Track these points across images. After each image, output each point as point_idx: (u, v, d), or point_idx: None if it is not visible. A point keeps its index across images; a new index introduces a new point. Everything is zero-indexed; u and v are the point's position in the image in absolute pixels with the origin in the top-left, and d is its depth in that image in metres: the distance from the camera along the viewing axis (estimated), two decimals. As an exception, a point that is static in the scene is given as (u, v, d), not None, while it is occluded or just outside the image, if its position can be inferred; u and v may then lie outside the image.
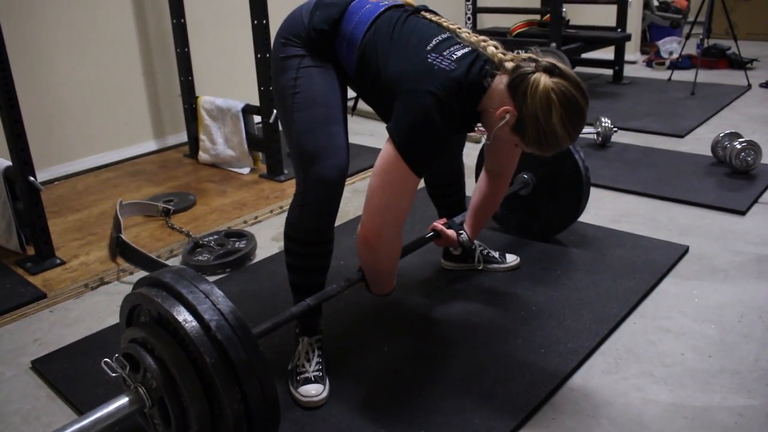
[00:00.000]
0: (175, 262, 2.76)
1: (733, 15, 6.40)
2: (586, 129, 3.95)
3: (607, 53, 5.66)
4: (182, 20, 3.78)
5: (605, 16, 5.63)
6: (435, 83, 1.62)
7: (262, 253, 2.79)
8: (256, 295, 2.44)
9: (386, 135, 1.68)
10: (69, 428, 1.41)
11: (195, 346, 1.35)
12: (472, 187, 2.28)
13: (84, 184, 3.68)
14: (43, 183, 3.06)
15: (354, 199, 3.27)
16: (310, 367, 1.92)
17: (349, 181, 3.45)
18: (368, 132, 4.34)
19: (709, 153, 3.64)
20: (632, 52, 6.42)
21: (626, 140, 4.07)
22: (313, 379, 1.89)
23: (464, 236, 2.22)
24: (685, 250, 2.64)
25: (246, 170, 3.74)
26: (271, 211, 3.21)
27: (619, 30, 5.42)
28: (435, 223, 2.23)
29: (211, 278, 2.57)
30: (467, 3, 5.61)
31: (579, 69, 5.88)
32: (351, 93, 1.93)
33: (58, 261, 2.72)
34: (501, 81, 1.65)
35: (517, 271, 2.53)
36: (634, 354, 2.04)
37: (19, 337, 2.27)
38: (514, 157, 2.10)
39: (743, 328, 2.15)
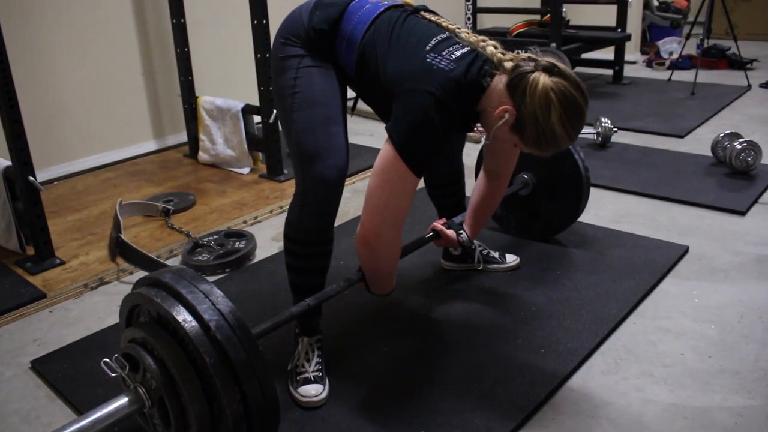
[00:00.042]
0: (174, 262, 2.76)
1: (733, 15, 6.41)
2: (586, 129, 3.95)
3: (607, 53, 5.66)
4: (182, 20, 3.78)
5: (605, 16, 5.63)
6: (434, 83, 1.62)
7: (261, 253, 2.79)
8: (256, 295, 2.44)
9: (386, 135, 1.68)
10: (68, 428, 1.40)
11: (194, 346, 1.35)
12: (472, 187, 2.27)
13: (84, 184, 3.68)
14: (43, 183, 3.06)
15: (354, 199, 3.27)
16: (309, 367, 1.91)
17: (348, 181, 3.45)
18: (368, 132, 4.34)
19: (709, 153, 3.64)
20: (632, 52, 6.42)
21: (626, 140, 4.07)
22: (312, 379, 1.89)
23: (464, 236, 2.22)
24: (685, 251, 2.64)
25: (246, 170, 3.74)
26: (271, 211, 3.21)
27: (619, 30, 5.42)
28: (435, 223, 2.23)
29: (211, 278, 2.57)
30: (467, 3, 5.61)
31: (579, 69, 5.88)
32: (351, 93, 1.93)
33: (58, 261, 2.72)
34: (500, 80, 1.65)
35: (517, 271, 2.53)
36: (634, 354, 2.04)
37: (18, 337, 2.27)
38: (513, 156, 2.10)
39: (743, 329, 2.15)
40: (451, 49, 1.68)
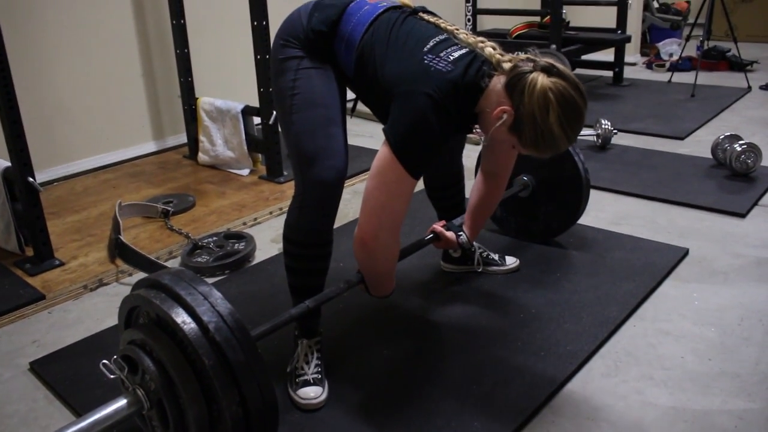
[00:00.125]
0: (174, 263, 2.76)
1: (733, 17, 6.41)
2: (586, 131, 3.95)
3: (607, 55, 5.65)
4: (182, 21, 3.78)
5: (605, 17, 5.63)
6: (431, 85, 1.62)
7: (261, 255, 2.79)
8: (255, 297, 2.44)
9: (384, 137, 1.67)
10: (67, 430, 1.40)
11: (193, 348, 1.35)
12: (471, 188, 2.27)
13: (83, 185, 3.68)
14: (42, 184, 3.06)
15: (354, 201, 3.26)
16: (309, 369, 1.91)
17: (348, 182, 3.44)
18: (368, 133, 4.34)
19: (709, 155, 3.64)
20: (632, 53, 6.42)
21: (626, 142, 4.07)
22: (312, 381, 1.88)
23: (463, 238, 2.22)
24: (685, 253, 2.64)
25: (245, 172, 3.74)
26: (271, 213, 3.21)
27: (619, 32, 5.42)
28: (434, 225, 2.22)
29: (210, 280, 2.56)
30: (467, 4, 5.61)
31: (579, 70, 5.88)
32: (351, 94, 1.93)
33: (57, 262, 2.71)
34: (498, 81, 1.65)
35: (517, 273, 2.52)
36: (634, 357, 2.04)
37: (17, 339, 2.27)
38: (511, 157, 2.10)
39: (743, 331, 2.14)
40: (449, 50, 1.68)
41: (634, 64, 6.42)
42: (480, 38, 1.72)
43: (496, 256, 2.54)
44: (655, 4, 6.85)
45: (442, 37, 1.73)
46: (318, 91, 1.80)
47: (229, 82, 4.43)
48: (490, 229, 2.87)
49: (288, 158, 1.93)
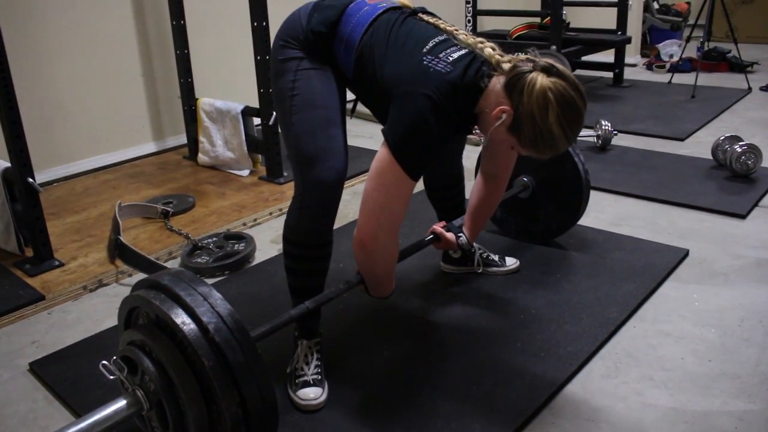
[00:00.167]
0: (173, 264, 2.76)
1: (734, 18, 6.41)
2: (586, 132, 3.95)
3: (608, 56, 5.65)
4: (182, 22, 3.78)
5: (605, 18, 5.63)
6: (430, 86, 1.61)
7: (261, 256, 2.79)
8: (255, 298, 2.44)
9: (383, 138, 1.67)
10: (67, 431, 1.40)
11: (193, 349, 1.35)
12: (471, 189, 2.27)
13: (83, 186, 3.67)
14: (42, 184, 3.06)
15: (353, 202, 3.26)
16: (308, 370, 1.91)
17: (348, 183, 3.45)
18: (368, 134, 4.34)
19: (709, 156, 3.64)
20: (632, 55, 6.42)
21: (626, 143, 4.07)
22: (312, 382, 1.88)
23: (463, 239, 2.22)
24: (685, 254, 2.64)
25: (245, 172, 3.74)
26: (271, 214, 3.21)
27: (620, 33, 5.42)
28: (434, 226, 2.22)
29: (210, 280, 2.56)
30: (467, 5, 5.61)
31: (579, 72, 5.88)
32: (350, 95, 1.93)
33: (57, 263, 2.71)
34: (498, 81, 1.64)
35: (517, 274, 2.52)
36: (634, 358, 2.03)
37: (17, 339, 2.27)
38: (511, 159, 2.09)
39: (743, 332, 2.14)
40: (448, 51, 1.68)
41: (634, 65, 6.42)
42: (479, 39, 1.72)
43: (496, 257, 2.54)
44: (656, 5, 6.85)
45: (441, 38, 1.72)
46: (317, 92, 1.80)
47: (229, 82, 4.43)
48: (490, 230, 2.86)
49: (288, 159, 1.93)
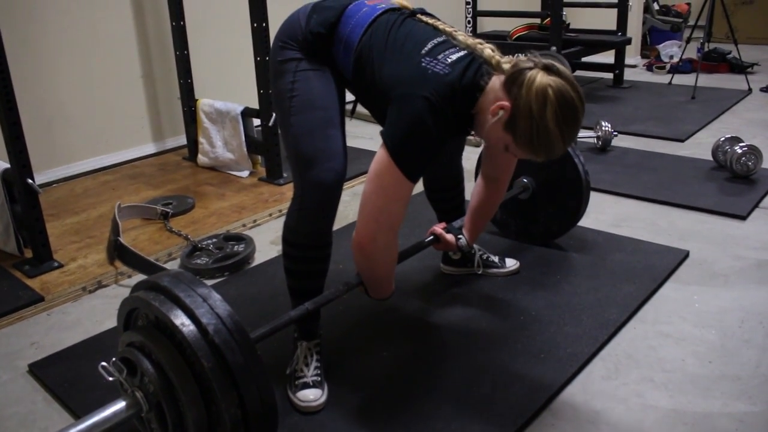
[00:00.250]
0: (173, 265, 2.75)
1: (734, 19, 6.41)
2: (586, 133, 3.95)
3: (608, 57, 5.65)
4: (182, 23, 3.78)
5: (605, 19, 5.63)
6: (428, 88, 1.61)
7: (260, 257, 2.78)
8: (255, 299, 2.43)
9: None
10: (65, 433, 1.40)
11: (192, 350, 1.34)
12: (472, 190, 2.27)
13: (82, 187, 3.67)
14: (42, 185, 3.05)
15: (353, 203, 3.26)
16: (308, 371, 1.91)
17: (348, 184, 3.44)
18: (368, 135, 4.34)
19: (709, 157, 3.64)
20: (632, 55, 6.42)
21: (626, 144, 4.07)
22: (311, 384, 1.88)
23: (463, 241, 2.21)
24: (686, 255, 2.63)
25: (245, 173, 3.73)
26: (270, 215, 3.20)
27: (620, 34, 5.42)
28: (434, 227, 2.22)
29: (210, 282, 2.56)
30: (467, 6, 5.62)
31: (579, 72, 5.88)
32: (350, 96, 1.92)
33: (56, 264, 2.71)
34: (497, 81, 1.63)
35: (517, 275, 2.52)
36: (634, 359, 2.03)
37: (16, 341, 2.26)
38: (511, 162, 2.09)
39: (744, 334, 2.14)
40: (447, 52, 1.67)
41: (634, 66, 6.42)
42: (478, 40, 1.72)
43: (496, 259, 2.54)
44: (656, 6, 6.85)
45: (440, 39, 1.72)
46: (316, 93, 1.80)
47: (229, 83, 4.43)
48: (490, 231, 2.86)
49: (287, 160, 1.93)
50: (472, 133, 1.80)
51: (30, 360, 2.13)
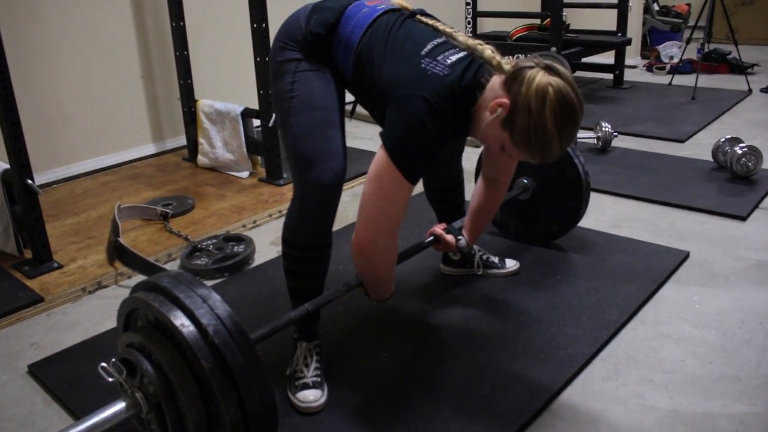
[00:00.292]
0: (173, 266, 2.75)
1: (734, 19, 6.41)
2: (587, 133, 3.95)
3: (608, 58, 5.66)
4: (181, 23, 3.78)
5: (605, 20, 5.63)
6: (428, 89, 1.60)
7: (260, 258, 2.78)
8: (255, 300, 2.43)
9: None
10: (65, 433, 1.40)
11: (192, 351, 1.34)
12: (472, 191, 2.26)
13: (82, 188, 3.67)
14: (41, 186, 3.05)
15: (353, 204, 3.26)
16: (308, 372, 1.90)
17: (348, 185, 3.44)
18: (367, 136, 4.34)
19: (709, 158, 3.64)
20: (633, 56, 6.42)
21: (626, 145, 4.07)
22: (311, 384, 1.88)
23: (462, 242, 2.21)
24: (686, 256, 2.63)
25: (245, 174, 3.73)
26: (270, 215, 3.20)
27: (620, 34, 5.43)
28: (434, 228, 2.21)
29: (210, 282, 2.56)
30: (467, 7, 5.62)
31: (579, 73, 5.89)
32: (350, 96, 1.92)
33: (56, 264, 2.71)
34: (497, 80, 1.63)
35: (517, 276, 2.52)
36: (635, 360, 2.03)
37: (15, 341, 2.26)
38: (512, 164, 2.09)
39: (744, 335, 2.14)
40: (446, 54, 1.67)
41: (634, 67, 6.42)
42: (478, 41, 1.71)
43: (496, 259, 2.54)
44: (656, 7, 6.85)
45: (440, 40, 1.72)
46: (316, 93, 1.80)
47: (229, 84, 4.43)
48: (490, 232, 2.86)
49: (287, 161, 1.93)
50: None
51: (30, 361, 2.13)
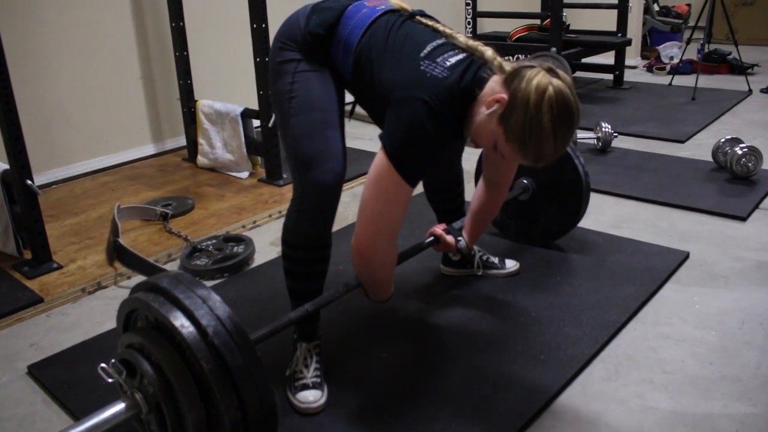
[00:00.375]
0: (173, 266, 2.75)
1: (734, 20, 6.40)
2: (587, 134, 3.95)
3: (608, 58, 5.66)
4: (181, 23, 3.78)
5: (605, 20, 5.63)
6: (427, 91, 1.60)
7: (260, 258, 2.78)
8: (254, 300, 2.43)
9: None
10: (64, 434, 1.39)
11: (192, 352, 1.34)
12: (472, 191, 2.26)
13: (82, 188, 3.67)
14: (41, 186, 3.05)
15: (353, 204, 3.25)
16: (308, 373, 1.90)
17: (348, 185, 3.44)
18: (367, 136, 4.34)
19: (709, 158, 3.64)
20: (633, 56, 6.42)
21: (626, 145, 4.07)
22: (311, 385, 1.88)
23: (462, 242, 2.21)
24: (686, 256, 2.63)
25: (245, 174, 3.73)
26: (270, 216, 3.20)
27: (620, 35, 5.43)
28: (434, 228, 2.21)
29: (209, 283, 2.56)
30: (467, 7, 5.62)
31: (579, 74, 5.89)
32: (349, 97, 1.92)
33: (56, 265, 2.70)
34: (498, 78, 1.62)
35: (517, 276, 2.52)
36: (635, 361, 2.03)
37: (15, 342, 2.26)
38: (512, 166, 2.08)
39: (744, 335, 2.14)
40: (445, 55, 1.66)
41: (634, 67, 6.42)
42: (478, 42, 1.71)
43: (495, 260, 2.53)
44: (656, 7, 6.85)
45: (439, 41, 1.71)
46: (315, 94, 1.79)
47: (229, 84, 4.43)
48: (490, 233, 2.86)
49: (287, 161, 1.93)
50: None
51: (29, 361, 2.13)
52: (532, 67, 1.55)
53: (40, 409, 1.93)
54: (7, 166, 2.62)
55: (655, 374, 1.96)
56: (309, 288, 1.92)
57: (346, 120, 1.91)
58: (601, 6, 5.67)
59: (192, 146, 3.98)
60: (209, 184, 3.66)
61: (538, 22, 5.42)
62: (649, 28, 6.88)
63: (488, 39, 5.12)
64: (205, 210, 3.28)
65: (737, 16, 7.20)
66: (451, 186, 2.39)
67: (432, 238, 2.19)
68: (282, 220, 1.92)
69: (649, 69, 6.32)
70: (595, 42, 5.33)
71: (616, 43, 5.36)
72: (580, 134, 3.99)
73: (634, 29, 6.20)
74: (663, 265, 2.55)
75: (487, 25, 6.34)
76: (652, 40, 6.96)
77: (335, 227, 1.92)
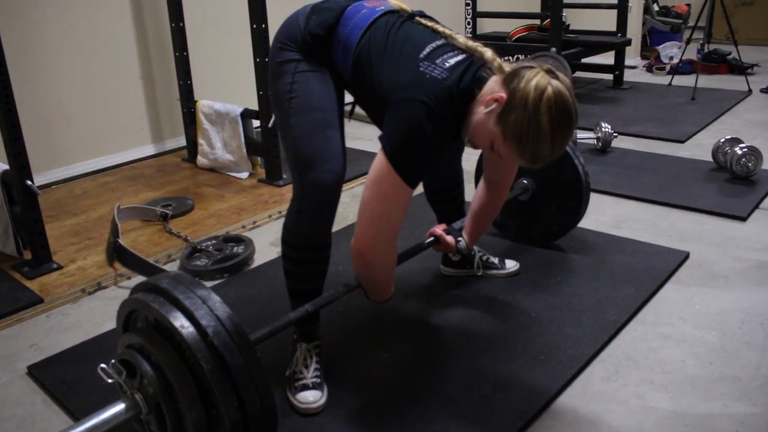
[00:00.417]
0: (173, 267, 2.75)
1: (734, 20, 6.41)
2: (587, 134, 3.95)
3: (608, 58, 5.66)
4: (181, 24, 3.78)
5: (605, 20, 5.63)
6: (426, 92, 1.59)
7: (260, 258, 2.78)
8: (254, 301, 2.43)
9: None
10: (64, 435, 1.39)
11: (192, 352, 1.34)
12: (472, 192, 2.27)
13: (82, 188, 3.67)
14: (41, 187, 3.05)
15: (352, 204, 3.25)
16: (308, 373, 1.90)
17: (348, 186, 3.44)
18: (367, 136, 4.34)
19: (709, 158, 3.64)
20: (632, 56, 6.42)
21: (626, 145, 4.06)
22: (311, 385, 1.88)
23: (462, 243, 2.21)
24: (686, 256, 2.63)
25: (244, 175, 3.73)
26: (270, 216, 3.20)
27: (620, 35, 5.43)
28: (434, 228, 2.21)
29: (209, 283, 2.56)
30: (467, 7, 5.62)
31: (579, 74, 5.89)
32: (349, 97, 1.92)
33: (55, 265, 2.70)
34: (497, 78, 1.61)
35: (517, 277, 2.52)
36: (635, 361, 2.03)
37: (15, 342, 2.26)
38: (512, 167, 2.08)
39: (744, 335, 2.14)
40: (445, 57, 1.66)
41: (634, 67, 6.42)
42: (478, 43, 1.71)
43: (495, 260, 2.53)
44: (656, 8, 6.85)
45: (439, 42, 1.71)
46: (315, 94, 1.79)
47: (229, 85, 4.43)
48: (490, 233, 2.86)
49: (286, 161, 1.93)
50: None
51: (29, 362, 2.13)
52: (531, 67, 1.55)
53: (40, 409, 1.93)
54: (7, 167, 2.62)
55: (655, 374, 1.96)
56: (309, 288, 1.92)
57: (346, 120, 1.91)
58: (601, 6, 5.67)
59: (192, 146, 3.98)
60: (209, 184, 3.66)
61: (537, 22, 5.42)
62: (648, 28, 6.88)
63: (488, 39, 5.13)
64: (205, 210, 3.28)
65: (737, 16, 7.20)
66: (451, 186, 2.39)
67: (432, 238, 2.19)
68: (282, 221, 1.92)
69: (649, 69, 6.32)
70: (595, 42, 5.33)
71: (616, 43, 5.36)
72: (580, 134, 3.99)
73: (634, 29, 6.21)
74: (663, 265, 2.55)
75: (487, 26, 6.33)
76: (651, 40, 6.96)
77: (335, 227, 1.92)
